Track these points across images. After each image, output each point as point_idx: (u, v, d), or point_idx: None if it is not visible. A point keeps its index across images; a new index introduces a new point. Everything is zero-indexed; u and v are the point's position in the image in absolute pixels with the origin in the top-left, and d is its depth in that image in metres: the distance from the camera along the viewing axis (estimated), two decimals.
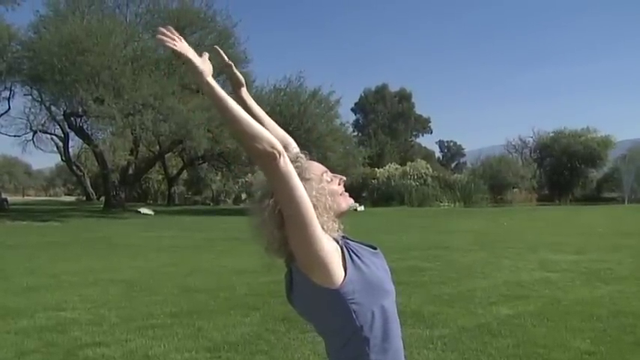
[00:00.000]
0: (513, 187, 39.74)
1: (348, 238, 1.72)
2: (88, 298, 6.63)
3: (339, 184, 1.76)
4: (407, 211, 26.03)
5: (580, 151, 42.50)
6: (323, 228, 1.60)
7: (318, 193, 1.65)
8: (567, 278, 7.71)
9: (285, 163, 1.52)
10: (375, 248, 1.76)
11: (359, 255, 1.66)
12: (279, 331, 5.10)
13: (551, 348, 4.55)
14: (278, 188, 1.55)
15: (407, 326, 4.69)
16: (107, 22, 22.66)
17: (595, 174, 44.87)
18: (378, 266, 1.69)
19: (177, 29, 1.63)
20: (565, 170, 43.03)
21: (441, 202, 31.28)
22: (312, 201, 1.58)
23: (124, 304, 6.32)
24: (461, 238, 13.29)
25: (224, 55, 1.84)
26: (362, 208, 26.19)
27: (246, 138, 1.52)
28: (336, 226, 1.66)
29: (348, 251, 1.65)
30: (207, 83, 1.53)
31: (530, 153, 47.27)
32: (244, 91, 1.96)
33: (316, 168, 1.72)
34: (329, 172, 1.75)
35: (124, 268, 8.99)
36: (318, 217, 1.59)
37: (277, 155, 1.50)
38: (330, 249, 1.60)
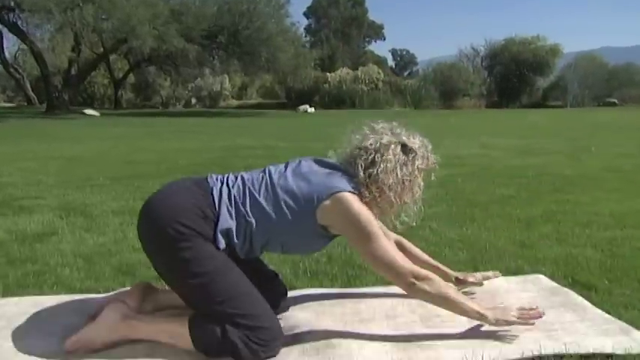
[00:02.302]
0: (463, 95, 40.22)
1: None
2: (26, 168, 6.55)
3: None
4: (357, 113, 26.12)
5: (529, 59, 42.93)
6: (377, 200, 1.90)
7: (404, 188, 1.94)
8: (502, 154, 8.05)
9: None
10: None
11: None
12: None
13: (478, 194, 4.82)
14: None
15: None
16: None
17: (542, 82, 45.69)
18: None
19: None
20: (514, 78, 43.57)
21: (392, 106, 31.49)
22: (396, 182, 1.88)
23: (63, 172, 6.28)
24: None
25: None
26: (312, 109, 26.19)
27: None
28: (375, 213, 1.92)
29: None
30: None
31: (482, 61, 47.54)
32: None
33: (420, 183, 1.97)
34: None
35: (66, 150, 8.83)
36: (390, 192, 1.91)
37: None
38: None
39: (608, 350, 1.81)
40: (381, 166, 1.87)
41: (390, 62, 60.59)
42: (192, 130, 14.35)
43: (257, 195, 1.86)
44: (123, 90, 37.86)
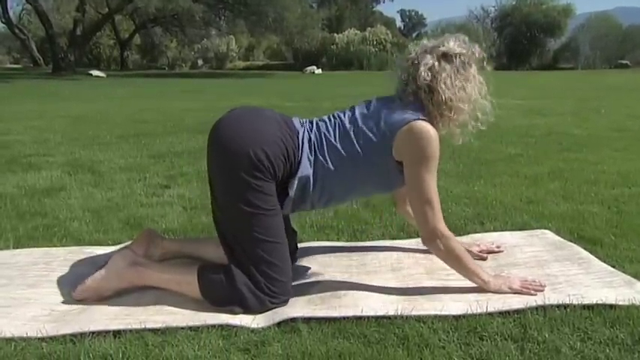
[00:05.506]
0: None
1: None
2: (34, 127, 6.56)
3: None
4: (365, 74, 25.90)
5: (540, 19, 42.10)
6: (447, 117, 1.93)
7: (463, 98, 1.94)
8: (509, 113, 7.97)
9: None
10: None
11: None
12: None
13: (485, 152, 4.79)
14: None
15: None
16: None
17: (553, 44, 44.86)
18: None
19: None
20: (524, 39, 42.86)
21: None
22: (454, 92, 1.90)
23: (70, 130, 6.28)
24: None
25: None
26: (319, 71, 25.95)
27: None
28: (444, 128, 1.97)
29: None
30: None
31: (492, 23, 46.68)
32: None
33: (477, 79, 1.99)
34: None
35: (73, 109, 8.82)
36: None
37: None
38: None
39: (611, 302, 1.83)
40: (436, 85, 1.89)
41: (399, 23, 59.78)
42: (199, 90, 14.28)
43: (333, 140, 1.87)
44: (129, 51, 37.56)
